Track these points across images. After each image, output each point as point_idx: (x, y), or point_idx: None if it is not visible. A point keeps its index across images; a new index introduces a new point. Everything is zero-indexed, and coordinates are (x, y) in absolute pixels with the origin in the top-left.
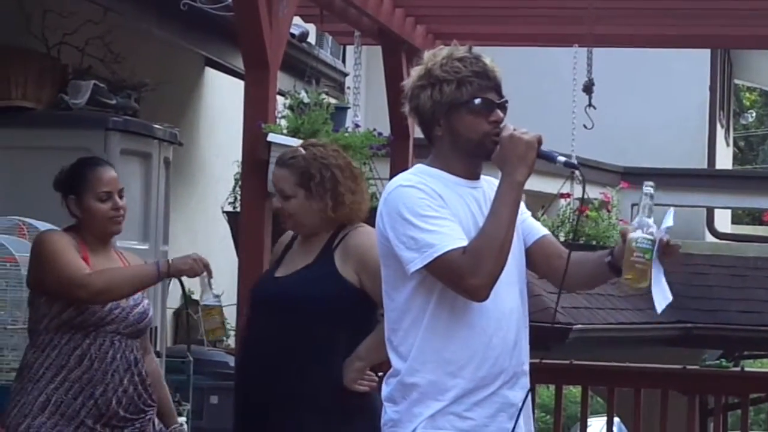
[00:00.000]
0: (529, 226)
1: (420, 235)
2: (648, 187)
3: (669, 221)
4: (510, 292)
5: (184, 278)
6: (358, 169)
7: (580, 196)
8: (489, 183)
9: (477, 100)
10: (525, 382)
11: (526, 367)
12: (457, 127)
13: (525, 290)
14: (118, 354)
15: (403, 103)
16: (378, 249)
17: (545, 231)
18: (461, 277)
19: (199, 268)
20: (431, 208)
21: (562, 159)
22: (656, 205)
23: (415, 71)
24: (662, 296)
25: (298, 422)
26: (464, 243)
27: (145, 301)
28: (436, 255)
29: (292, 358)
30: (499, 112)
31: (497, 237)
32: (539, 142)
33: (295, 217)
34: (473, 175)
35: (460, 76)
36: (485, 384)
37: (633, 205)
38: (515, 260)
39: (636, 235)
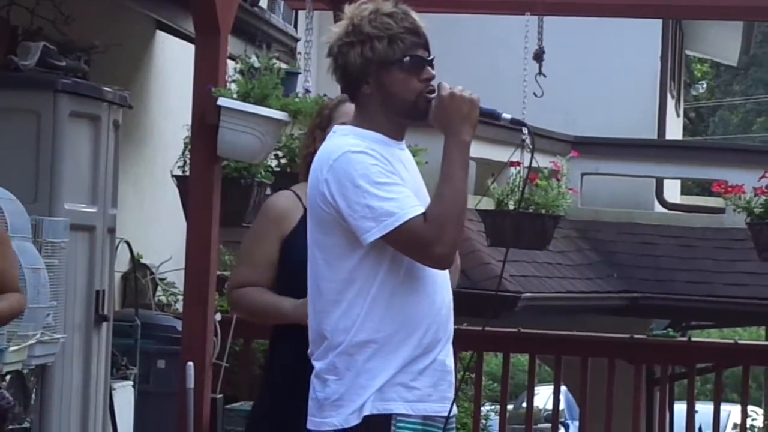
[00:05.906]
0: None
1: (377, 203)
2: None
3: None
4: None
5: (132, 241)
6: None
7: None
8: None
9: (408, 58)
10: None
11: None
12: (388, 86)
13: None
14: None
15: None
16: (315, 216)
17: None
18: (426, 245)
19: None
20: (383, 174)
21: (507, 116)
22: (606, 174)
23: (340, 27)
24: None
25: None
26: (421, 209)
27: None
28: (396, 224)
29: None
30: (431, 69)
31: (457, 202)
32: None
33: None
34: (401, 136)
35: (391, 33)
36: (428, 351)
37: (583, 174)
38: None
39: None
